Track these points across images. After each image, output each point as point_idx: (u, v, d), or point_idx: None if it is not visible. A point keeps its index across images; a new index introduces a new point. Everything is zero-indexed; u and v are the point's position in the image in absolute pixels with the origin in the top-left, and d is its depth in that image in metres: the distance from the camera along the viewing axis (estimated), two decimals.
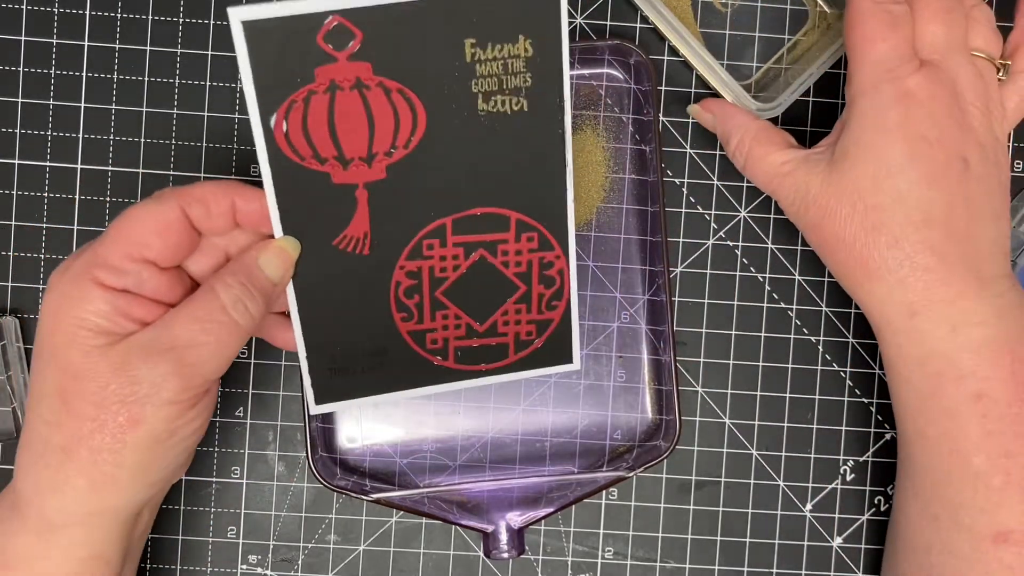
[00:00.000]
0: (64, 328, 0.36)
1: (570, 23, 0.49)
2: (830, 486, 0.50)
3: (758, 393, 0.50)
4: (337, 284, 0.40)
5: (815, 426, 0.50)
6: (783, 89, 0.47)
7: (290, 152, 0.37)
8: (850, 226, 0.40)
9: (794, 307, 0.50)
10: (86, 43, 0.48)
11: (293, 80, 0.36)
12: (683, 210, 0.49)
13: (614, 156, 0.49)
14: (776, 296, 0.50)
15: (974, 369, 0.40)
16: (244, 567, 0.49)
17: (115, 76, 0.48)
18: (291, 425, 0.49)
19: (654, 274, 0.48)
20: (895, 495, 0.45)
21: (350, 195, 0.39)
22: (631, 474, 0.47)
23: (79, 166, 0.48)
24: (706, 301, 0.49)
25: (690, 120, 0.49)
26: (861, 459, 0.50)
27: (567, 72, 0.38)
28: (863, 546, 0.50)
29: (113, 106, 0.48)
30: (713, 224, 0.50)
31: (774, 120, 0.48)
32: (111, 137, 0.48)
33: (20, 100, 0.48)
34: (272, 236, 0.39)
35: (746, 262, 0.50)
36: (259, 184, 0.38)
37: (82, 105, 0.48)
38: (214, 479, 0.49)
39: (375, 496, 0.46)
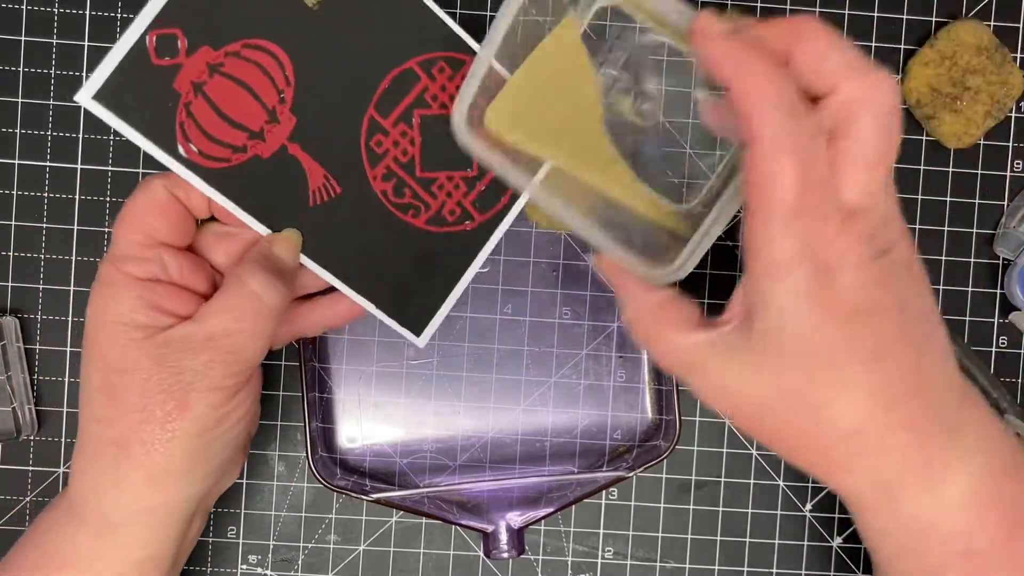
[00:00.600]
0: (104, 327, 0.38)
1: None
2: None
3: None
4: (341, 233, 0.41)
5: None
6: (687, 253, 0.39)
7: (213, 163, 0.39)
8: (798, 420, 0.34)
9: None
10: (86, 43, 0.48)
11: (166, 106, 0.38)
12: None
13: None
14: None
15: (960, 528, 0.36)
16: (244, 567, 0.49)
17: None
18: (291, 425, 0.49)
19: None
20: None
21: (286, 156, 0.40)
22: (631, 474, 0.47)
23: (79, 166, 0.48)
24: (706, 301, 0.49)
25: (690, 120, 0.49)
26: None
27: None
28: (863, 546, 0.50)
29: None
30: None
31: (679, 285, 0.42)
32: (111, 137, 0.48)
33: (20, 100, 0.48)
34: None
35: None
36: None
37: (76, 99, 0.48)
38: None
39: (375, 496, 0.46)
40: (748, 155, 0.32)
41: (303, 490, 0.49)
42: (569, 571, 0.50)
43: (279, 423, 0.49)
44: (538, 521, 0.47)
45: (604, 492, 0.49)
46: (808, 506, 0.50)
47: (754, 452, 0.50)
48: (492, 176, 0.44)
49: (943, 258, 0.50)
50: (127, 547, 0.39)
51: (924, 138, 0.50)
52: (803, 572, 0.50)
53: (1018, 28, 0.50)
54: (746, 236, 0.34)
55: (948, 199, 0.50)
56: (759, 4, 0.49)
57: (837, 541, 0.50)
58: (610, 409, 0.49)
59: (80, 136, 0.48)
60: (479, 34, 0.47)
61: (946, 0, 0.50)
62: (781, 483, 0.50)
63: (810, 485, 0.50)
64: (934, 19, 0.50)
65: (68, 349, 0.48)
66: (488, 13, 0.49)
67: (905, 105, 0.49)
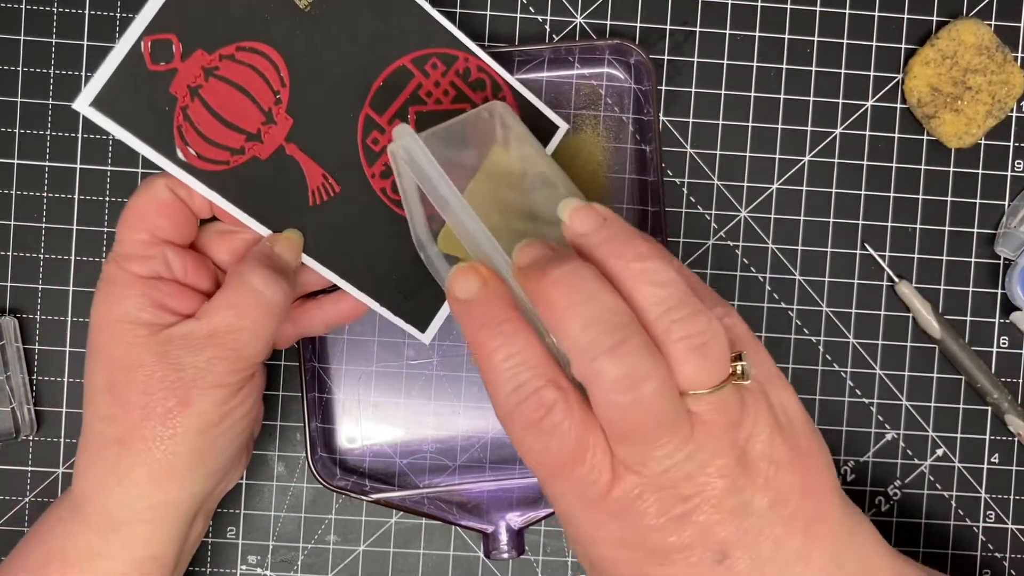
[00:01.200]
0: (108, 325, 0.38)
1: (570, 22, 0.49)
2: None
3: None
4: (343, 231, 0.41)
5: (815, 426, 0.50)
6: None
7: (211, 166, 0.39)
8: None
9: (794, 307, 0.50)
10: (85, 43, 0.48)
11: (163, 111, 0.38)
12: (683, 210, 0.49)
13: (614, 156, 0.48)
14: (776, 296, 0.50)
15: None
16: (244, 568, 0.49)
17: None
18: (291, 425, 0.49)
19: None
20: None
21: (284, 157, 0.40)
22: None
23: (78, 166, 0.48)
24: None
25: (690, 120, 0.49)
26: (862, 459, 0.50)
27: None
28: None
29: None
30: (713, 224, 0.49)
31: None
32: (110, 137, 0.48)
33: (19, 100, 0.48)
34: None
35: (746, 262, 0.50)
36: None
37: (75, 107, 0.48)
38: None
39: (375, 496, 0.46)
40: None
41: (303, 490, 0.49)
42: (569, 571, 0.50)
43: (279, 423, 0.49)
44: (538, 521, 0.47)
45: None
46: None
47: None
48: None
49: (944, 258, 0.50)
50: (130, 546, 0.39)
51: (925, 138, 0.50)
52: None
53: (1019, 27, 0.50)
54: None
55: (949, 199, 0.50)
56: (759, 4, 0.49)
57: None
58: None
59: (79, 136, 0.48)
60: (475, 32, 0.47)
61: None
62: None
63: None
64: (935, 18, 0.49)
65: (67, 349, 0.48)
66: (488, 12, 0.49)
67: (906, 104, 0.49)
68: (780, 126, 0.50)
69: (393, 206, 0.42)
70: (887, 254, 0.50)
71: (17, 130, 0.48)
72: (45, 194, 0.48)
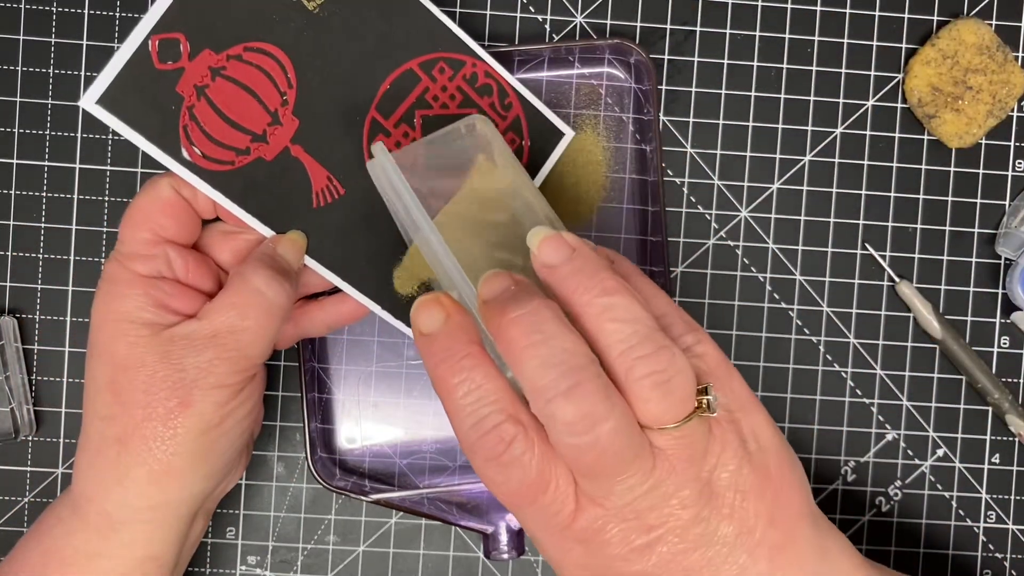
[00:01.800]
0: (110, 324, 0.38)
1: (570, 22, 0.49)
2: (831, 486, 0.50)
3: (759, 393, 0.50)
4: (345, 234, 0.41)
5: (816, 426, 0.50)
6: None
7: (216, 165, 0.39)
8: None
9: (795, 307, 0.50)
10: (84, 42, 0.48)
11: (169, 110, 0.38)
12: (683, 210, 0.49)
13: (614, 156, 0.48)
14: (776, 296, 0.50)
15: None
16: (243, 568, 0.49)
17: None
18: (290, 426, 0.49)
19: (654, 274, 0.48)
20: None
21: (290, 159, 0.40)
22: None
23: (77, 166, 0.48)
24: (706, 301, 0.49)
25: (691, 119, 0.49)
26: (862, 459, 0.50)
27: None
28: (864, 547, 0.50)
29: None
30: (713, 224, 0.49)
31: None
32: (109, 137, 0.48)
33: (18, 99, 0.48)
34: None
35: (746, 262, 0.50)
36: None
37: (80, 104, 0.48)
38: None
39: (374, 497, 0.46)
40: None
41: (302, 491, 0.49)
42: None
43: (278, 423, 0.49)
44: None
45: None
46: None
47: None
48: None
49: (944, 258, 0.50)
50: (129, 545, 0.39)
51: (925, 137, 0.50)
52: None
53: (1020, 27, 0.50)
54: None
55: (949, 199, 0.50)
56: (760, 4, 0.49)
57: None
58: None
59: (78, 136, 0.48)
60: (475, 32, 0.47)
61: None
62: None
63: (811, 486, 0.50)
64: (936, 18, 0.49)
65: (66, 349, 0.48)
66: (488, 12, 0.48)
67: (906, 104, 0.49)
68: (780, 126, 0.49)
69: None
70: (887, 254, 0.50)
71: (16, 130, 0.48)
72: (44, 194, 0.48)
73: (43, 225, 0.48)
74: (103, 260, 0.48)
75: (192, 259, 0.40)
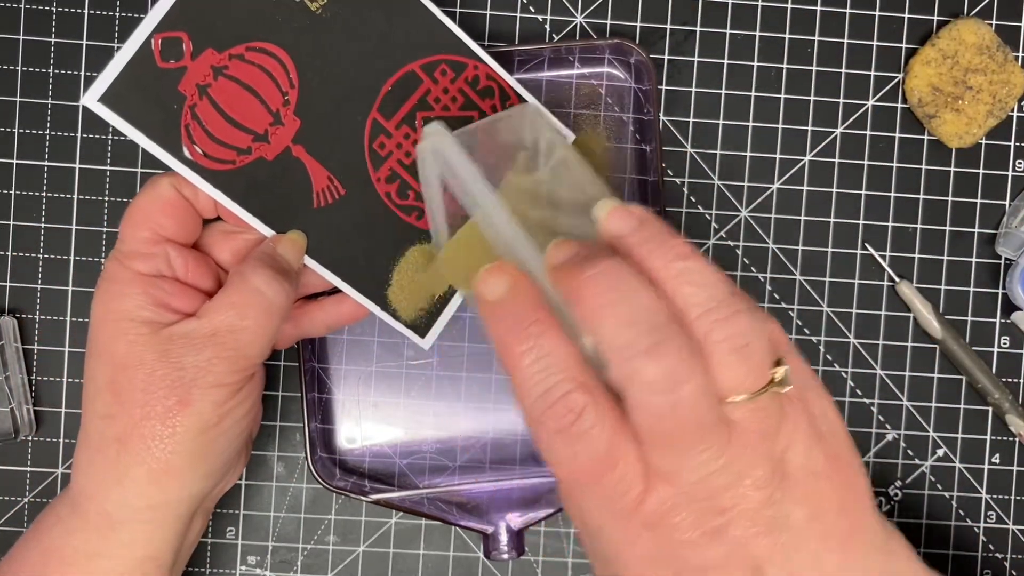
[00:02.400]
0: (109, 323, 0.38)
1: (570, 22, 0.49)
2: None
3: None
4: (346, 235, 0.41)
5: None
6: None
7: (217, 165, 0.39)
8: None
9: (795, 307, 0.50)
10: (84, 42, 0.48)
11: (171, 109, 0.38)
12: (683, 210, 0.49)
13: (614, 156, 0.48)
14: (777, 296, 0.50)
15: None
16: (243, 568, 0.49)
17: None
18: (290, 426, 0.49)
19: None
20: None
21: (291, 159, 0.40)
22: None
23: (77, 166, 0.48)
24: None
25: (691, 119, 0.49)
26: (862, 459, 0.50)
27: None
28: None
29: None
30: (713, 224, 0.49)
31: None
32: (109, 137, 0.48)
33: (18, 99, 0.48)
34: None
35: (747, 262, 0.49)
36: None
37: (80, 105, 0.48)
38: None
39: (374, 497, 0.46)
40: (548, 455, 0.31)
41: (302, 491, 0.49)
42: (569, 572, 0.50)
43: (278, 423, 0.49)
44: (538, 522, 0.47)
45: None
46: None
47: None
48: None
49: (944, 258, 0.50)
50: (128, 545, 0.39)
51: (925, 137, 0.50)
52: None
53: (1020, 27, 0.50)
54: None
55: (949, 199, 0.50)
56: (760, 3, 0.49)
57: None
58: None
59: (78, 136, 0.48)
60: (475, 32, 0.47)
61: None
62: None
63: None
64: (936, 18, 0.49)
65: (66, 349, 0.48)
66: (488, 12, 0.48)
67: (906, 104, 0.49)
68: (780, 126, 0.49)
69: (397, 211, 0.42)
70: (887, 254, 0.50)
71: (16, 130, 0.48)
72: (44, 194, 0.48)
73: (43, 225, 0.48)
74: (103, 260, 0.48)
75: (192, 258, 0.40)
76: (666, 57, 0.49)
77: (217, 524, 0.49)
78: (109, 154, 0.48)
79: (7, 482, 0.48)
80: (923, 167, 0.50)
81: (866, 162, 0.50)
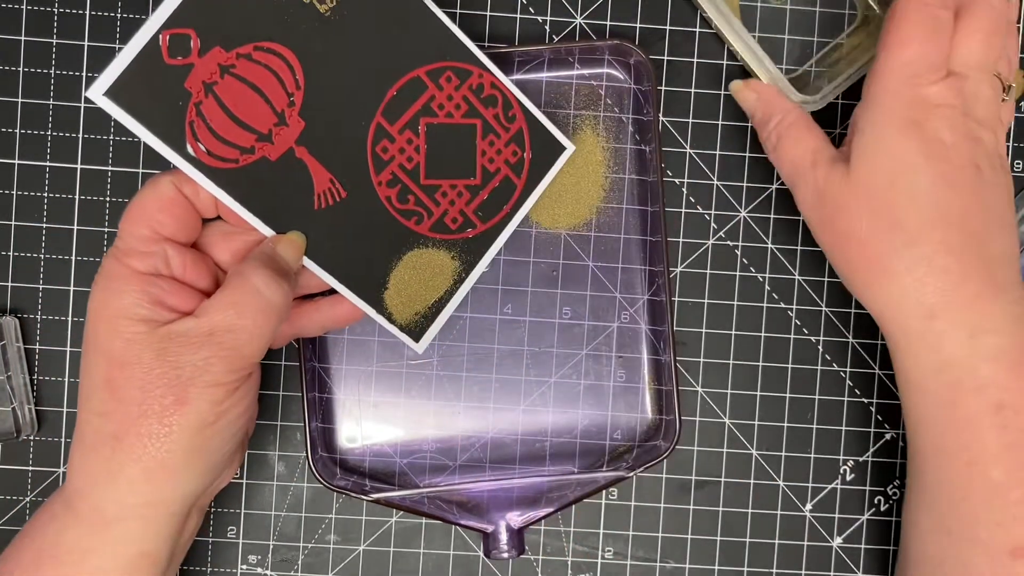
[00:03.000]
0: (106, 320, 0.38)
1: (570, 23, 0.49)
2: (830, 486, 0.50)
3: (758, 393, 0.50)
4: (345, 237, 0.42)
5: (815, 426, 0.50)
6: (825, 85, 0.47)
7: (220, 163, 0.39)
8: (865, 223, 0.40)
9: (794, 307, 0.50)
10: (86, 43, 0.48)
11: (177, 105, 0.38)
12: (683, 210, 0.49)
13: (614, 156, 0.49)
14: (776, 296, 0.50)
15: (994, 378, 0.39)
16: (244, 567, 0.49)
17: None
18: (291, 425, 0.49)
19: (654, 274, 0.48)
20: (905, 508, 0.44)
21: (293, 159, 0.40)
22: (631, 474, 0.47)
23: (79, 166, 0.48)
24: (706, 301, 0.49)
25: (690, 120, 0.49)
26: (861, 459, 0.50)
27: None
28: (863, 546, 0.50)
29: None
30: (713, 224, 0.50)
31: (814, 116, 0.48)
32: (111, 137, 0.48)
33: (20, 100, 0.48)
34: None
35: (746, 262, 0.50)
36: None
37: (82, 105, 0.48)
38: None
39: (375, 496, 0.46)
40: (890, 13, 0.40)
41: (303, 490, 0.49)
42: (569, 571, 0.50)
43: (279, 423, 0.49)
44: (538, 521, 0.47)
45: (604, 492, 0.49)
46: (808, 506, 0.50)
47: (754, 452, 0.50)
48: (495, 185, 0.44)
49: None
50: (122, 542, 0.39)
51: None
52: (803, 572, 0.50)
53: (1019, 27, 0.50)
54: (869, 76, 0.41)
55: None
56: (759, 4, 0.49)
57: (837, 541, 0.50)
58: (610, 409, 0.49)
59: (80, 136, 0.48)
60: (475, 33, 0.47)
61: None
62: (781, 483, 0.50)
63: (810, 485, 0.50)
64: None
65: (68, 349, 0.48)
66: (488, 13, 0.49)
67: None
68: None
69: (397, 215, 0.42)
70: None
71: (18, 130, 0.48)
72: (46, 194, 0.48)
73: (44, 225, 0.48)
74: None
75: (190, 257, 0.40)
76: (665, 58, 0.49)
77: (218, 523, 0.49)
78: (111, 154, 0.48)
79: (9, 481, 0.48)
80: None
81: None
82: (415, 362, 0.48)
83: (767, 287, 0.50)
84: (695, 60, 0.49)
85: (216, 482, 0.42)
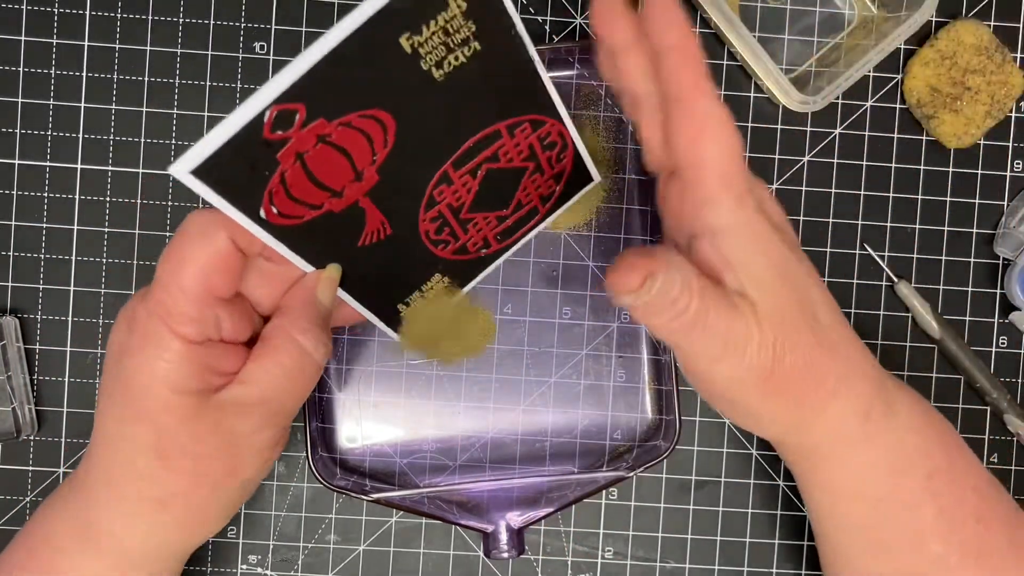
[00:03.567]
0: (153, 391, 0.35)
1: (570, 23, 0.49)
2: None
3: None
4: (380, 269, 0.41)
5: None
6: (826, 85, 0.46)
7: (289, 221, 0.36)
8: (803, 354, 0.36)
9: None
10: (86, 43, 0.48)
11: (262, 175, 0.34)
12: None
13: (614, 156, 0.49)
14: None
15: (922, 447, 0.39)
16: (244, 567, 0.49)
17: (115, 76, 0.48)
18: (292, 425, 0.49)
19: None
20: None
21: (356, 209, 0.38)
22: (631, 474, 0.47)
23: (79, 166, 0.48)
24: None
25: None
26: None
27: None
28: None
29: (113, 106, 0.48)
30: None
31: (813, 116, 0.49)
32: (111, 137, 0.48)
33: (20, 100, 0.48)
34: None
35: None
36: None
37: (82, 105, 0.48)
38: None
39: (375, 496, 0.46)
40: (687, 115, 0.34)
41: (303, 490, 0.49)
42: (569, 571, 0.50)
43: None
44: (538, 521, 0.47)
45: (604, 492, 0.49)
46: None
47: (754, 452, 0.50)
48: (521, 215, 0.43)
49: (943, 258, 0.50)
50: None
51: (924, 138, 0.50)
52: (803, 572, 0.50)
53: (1018, 28, 0.50)
54: (692, 195, 0.35)
55: (948, 199, 0.50)
56: (758, 4, 0.49)
57: None
58: (610, 409, 0.49)
59: (80, 136, 0.48)
60: None
61: (946, 0, 0.50)
62: (781, 483, 0.50)
63: None
64: (934, 19, 0.50)
65: (68, 349, 0.48)
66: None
67: (905, 105, 0.49)
68: (779, 126, 0.50)
69: (429, 244, 0.41)
70: (886, 254, 0.50)
71: (18, 130, 0.48)
72: (46, 194, 0.48)
73: (45, 225, 0.48)
74: (104, 260, 0.48)
75: (236, 313, 0.36)
76: None
77: None
78: (111, 155, 0.48)
79: (9, 481, 0.48)
80: (922, 167, 0.50)
81: (865, 162, 0.50)
82: (415, 362, 0.48)
83: None
84: None
85: None
